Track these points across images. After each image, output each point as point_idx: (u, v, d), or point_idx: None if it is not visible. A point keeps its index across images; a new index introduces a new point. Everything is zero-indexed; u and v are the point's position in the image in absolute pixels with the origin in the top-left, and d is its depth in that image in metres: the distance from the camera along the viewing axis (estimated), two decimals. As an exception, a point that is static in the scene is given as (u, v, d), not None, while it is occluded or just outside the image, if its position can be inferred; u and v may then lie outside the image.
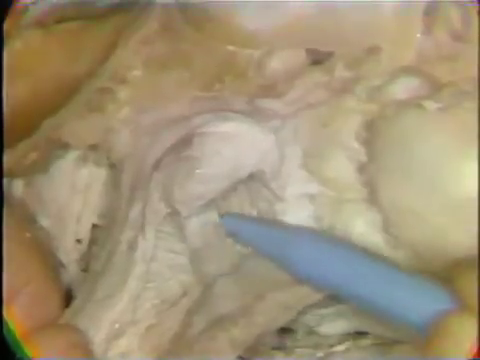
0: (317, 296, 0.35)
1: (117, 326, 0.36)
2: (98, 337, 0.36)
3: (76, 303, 0.36)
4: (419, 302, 0.31)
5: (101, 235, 0.38)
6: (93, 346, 0.35)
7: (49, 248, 0.38)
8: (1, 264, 0.34)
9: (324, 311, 0.37)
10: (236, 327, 0.35)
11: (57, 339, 0.35)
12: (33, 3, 0.37)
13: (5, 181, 0.38)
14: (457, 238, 0.33)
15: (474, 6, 0.34)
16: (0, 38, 0.35)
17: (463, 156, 0.34)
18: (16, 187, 0.39)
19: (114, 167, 0.37)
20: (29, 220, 0.38)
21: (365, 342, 0.38)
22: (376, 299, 0.32)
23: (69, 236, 0.39)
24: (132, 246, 0.36)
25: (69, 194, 0.38)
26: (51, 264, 0.37)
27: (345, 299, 0.34)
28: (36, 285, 0.35)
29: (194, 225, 0.37)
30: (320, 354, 0.38)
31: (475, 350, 0.29)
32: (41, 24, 0.38)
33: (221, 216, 0.36)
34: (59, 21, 0.38)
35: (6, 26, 0.37)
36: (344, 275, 0.33)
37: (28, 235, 0.37)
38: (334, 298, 0.36)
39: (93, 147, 0.37)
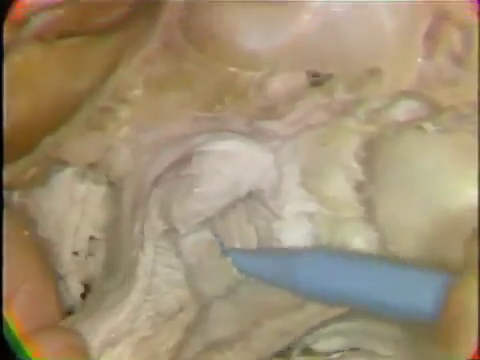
0: (313, 322, 0.36)
1: (113, 335, 0.36)
2: (93, 343, 0.36)
3: (78, 315, 0.37)
4: (431, 292, 0.32)
5: (102, 249, 0.39)
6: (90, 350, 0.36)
7: (47, 249, 0.39)
8: (1, 264, 0.34)
9: (321, 330, 0.37)
10: (232, 351, 0.36)
11: (54, 340, 0.35)
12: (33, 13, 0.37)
13: (4, 192, 0.38)
14: (456, 255, 0.33)
15: (474, 6, 0.34)
16: (0, 38, 0.35)
17: (461, 176, 0.34)
18: (15, 197, 0.39)
19: (113, 185, 0.37)
20: (25, 220, 0.39)
21: (359, 354, 0.38)
22: (389, 299, 0.33)
23: (66, 248, 0.39)
24: (134, 262, 0.36)
25: (67, 206, 0.39)
26: (48, 263, 0.37)
27: (356, 306, 0.35)
28: (34, 283, 0.36)
29: (189, 242, 0.37)
30: None
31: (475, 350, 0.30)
32: (41, 38, 0.38)
33: (227, 253, 0.37)
34: (60, 36, 0.38)
35: (7, 38, 0.37)
36: (350, 284, 0.33)
37: (26, 233, 0.37)
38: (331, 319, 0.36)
39: (92, 165, 0.37)
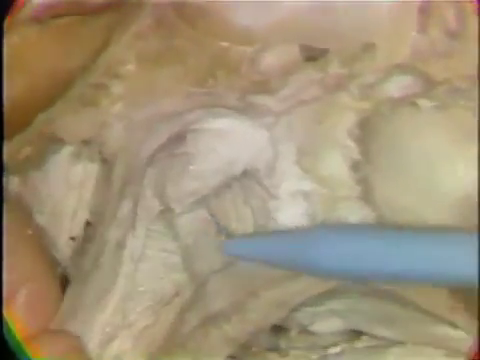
0: (310, 292, 0.35)
1: (108, 330, 0.36)
2: (92, 343, 0.36)
3: (66, 306, 0.36)
4: (464, 253, 0.32)
5: (91, 233, 0.38)
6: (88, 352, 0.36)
7: (46, 245, 0.38)
8: (1, 264, 0.34)
9: (316, 309, 0.37)
10: (229, 324, 0.35)
11: (56, 342, 0.35)
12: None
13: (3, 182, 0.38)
14: None
15: (474, 6, 0.34)
16: (0, 38, 0.36)
17: (458, 154, 0.34)
18: (12, 184, 0.39)
19: (106, 162, 0.37)
20: (26, 217, 0.38)
21: (360, 344, 0.38)
22: (419, 267, 0.32)
23: (64, 233, 0.39)
24: (120, 244, 0.36)
25: (64, 190, 0.38)
26: (50, 261, 0.37)
27: (383, 281, 0.34)
28: (37, 281, 0.36)
29: (185, 222, 0.37)
30: (314, 356, 0.38)
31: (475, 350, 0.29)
32: (38, 20, 0.38)
33: (223, 244, 0.36)
34: (54, 16, 0.38)
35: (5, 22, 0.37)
36: (377, 256, 0.33)
37: (30, 232, 0.37)
38: (326, 296, 0.36)
39: (86, 142, 0.37)
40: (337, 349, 0.38)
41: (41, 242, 0.38)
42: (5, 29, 0.38)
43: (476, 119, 0.34)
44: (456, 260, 0.32)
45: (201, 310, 0.36)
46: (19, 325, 0.35)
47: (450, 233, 0.32)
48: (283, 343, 0.38)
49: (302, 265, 0.34)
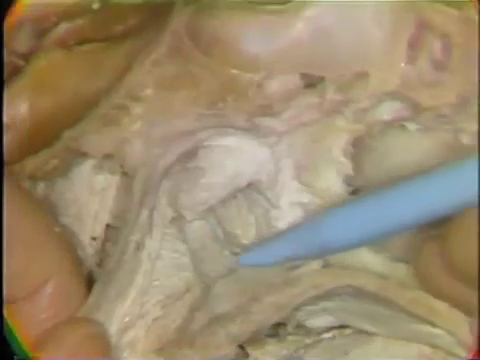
0: (307, 295, 0.34)
1: (127, 319, 0.35)
2: (111, 330, 0.34)
3: (91, 300, 0.35)
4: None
5: (114, 235, 0.37)
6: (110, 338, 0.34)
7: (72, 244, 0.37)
8: (1, 264, 0.32)
9: (311, 308, 0.35)
10: (233, 324, 0.34)
11: (76, 330, 0.34)
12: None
13: (29, 183, 0.37)
14: None
15: (474, 6, 0.33)
16: (0, 38, 0.34)
17: None
18: (39, 189, 0.38)
19: (126, 175, 0.36)
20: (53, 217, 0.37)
21: (348, 331, 0.37)
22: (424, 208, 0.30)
23: (86, 234, 0.37)
24: (139, 246, 0.35)
25: (87, 196, 0.37)
26: (76, 258, 0.36)
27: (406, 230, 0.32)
28: (63, 275, 0.34)
29: (195, 228, 0.36)
30: (309, 341, 0.36)
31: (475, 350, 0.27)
32: (63, 45, 0.37)
33: (238, 260, 0.35)
34: (80, 42, 0.37)
35: (34, 45, 0.36)
36: (384, 212, 0.31)
37: (58, 229, 0.35)
38: (320, 297, 0.34)
39: (108, 156, 0.36)
40: (329, 334, 0.37)
41: (67, 240, 0.36)
42: (34, 52, 0.37)
43: (457, 141, 0.33)
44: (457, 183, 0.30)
45: (209, 311, 0.35)
46: (45, 318, 0.33)
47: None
48: (281, 332, 0.37)
49: (318, 248, 0.33)
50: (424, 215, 0.30)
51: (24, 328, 0.33)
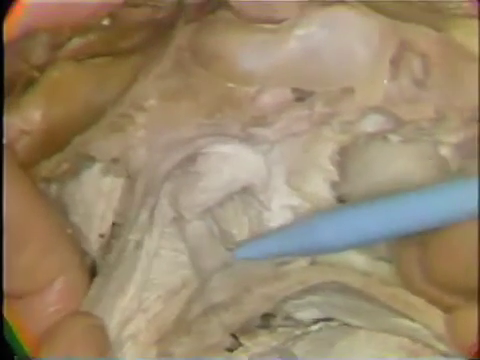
0: (294, 289, 0.34)
1: (127, 313, 0.35)
2: (112, 323, 0.34)
3: (92, 292, 0.35)
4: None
5: (118, 233, 0.37)
6: (108, 330, 0.34)
7: (79, 241, 0.37)
8: (1, 264, 0.32)
9: (298, 302, 0.35)
10: (227, 313, 0.34)
11: (77, 322, 0.34)
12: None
13: (43, 185, 0.37)
14: None
15: (474, 6, 0.33)
16: (0, 38, 0.33)
17: (421, 177, 0.32)
18: (52, 190, 0.38)
19: (130, 177, 0.36)
20: (63, 217, 0.37)
21: (334, 324, 0.36)
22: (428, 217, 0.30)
23: (94, 231, 0.37)
24: (139, 245, 0.35)
25: (95, 197, 0.37)
26: (82, 255, 0.36)
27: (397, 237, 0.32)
28: (72, 272, 0.34)
29: (193, 228, 0.35)
30: (298, 332, 0.36)
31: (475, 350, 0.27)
32: (76, 58, 0.37)
33: (233, 251, 0.35)
34: (90, 56, 0.37)
35: (48, 58, 0.36)
36: (376, 221, 0.31)
37: (70, 231, 0.36)
38: (306, 291, 0.35)
39: (114, 160, 0.36)
40: (316, 327, 0.36)
41: (76, 239, 0.36)
42: (48, 64, 0.36)
43: (436, 152, 0.33)
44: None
45: (204, 301, 0.35)
46: (52, 314, 0.33)
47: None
48: (272, 324, 0.37)
49: (310, 247, 0.33)
50: (414, 227, 0.31)
51: (32, 321, 0.33)
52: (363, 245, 0.33)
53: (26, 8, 0.34)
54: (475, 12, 0.33)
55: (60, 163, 0.36)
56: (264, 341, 0.36)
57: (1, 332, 0.31)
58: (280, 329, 0.36)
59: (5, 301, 0.32)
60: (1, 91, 0.34)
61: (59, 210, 0.37)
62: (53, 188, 0.38)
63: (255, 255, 0.34)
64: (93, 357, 0.33)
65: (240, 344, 0.36)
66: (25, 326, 0.33)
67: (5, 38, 0.34)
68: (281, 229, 0.34)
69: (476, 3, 0.33)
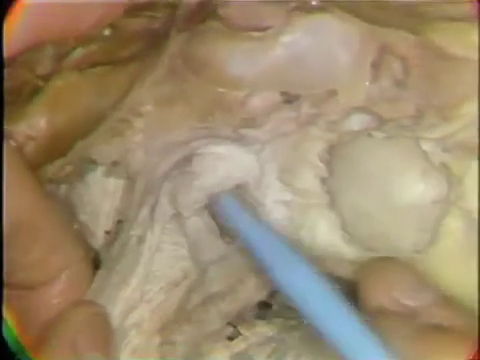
0: None
1: (130, 303, 0.34)
2: (115, 312, 0.34)
3: (95, 284, 0.35)
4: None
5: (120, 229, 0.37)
6: (111, 319, 0.34)
7: (86, 237, 0.37)
8: (1, 262, 0.32)
9: None
10: (224, 302, 0.35)
11: (82, 310, 0.33)
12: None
13: (51, 187, 0.37)
14: (399, 234, 0.32)
15: (474, 6, 0.32)
16: (0, 38, 0.33)
17: (403, 171, 0.32)
18: (62, 191, 0.38)
19: (130, 178, 0.36)
20: (71, 215, 0.37)
21: None
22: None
23: (100, 228, 0.37)
24: (140, 240, 0.35)
25: (101, 197, 0.37)
26: (87, 249, 0.36)
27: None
28: (77, 265, 0.34)
29: (192, 223, 0.35)
30: (293, 322, 0.36)
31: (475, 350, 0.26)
32: (78, 68, 0.36)
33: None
34: (91, 66, 0.36)
35: (53, 68, 0.36)
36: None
37: (76, 227, 0.36)
38: None
39: (115, 163, 0.36)
40: None
41: (82, 234, 0.36)
42: (52, 74, 0.36)
43: (417, 147, 0.32)
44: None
45: (203, 291, 0.35)
46: (57, 306, 0.33)
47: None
48: (268, 314, 0.37)
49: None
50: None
51: (40, 310, 0.33)
52: None
53: (31, 17, 0.34)
54: (475, 12, 0.32)
55: (63, 166, 0.36)
56: (261, 331, 0.36)
57: (1, 332, 0.30)
58: (276, 319, 0.36)
59: (5, 301, 0.32)
60: (1, 91, 0.34)
61: (68, 210, 0.37)
62: (62, 189, 0.38)
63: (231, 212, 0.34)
64: (96, 340, 0.33)
65: (239, 333, 0.36)
66: (33, 314, 0.33)
67: (5, 38, 0.33)
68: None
69: (476, 3, 0.32)
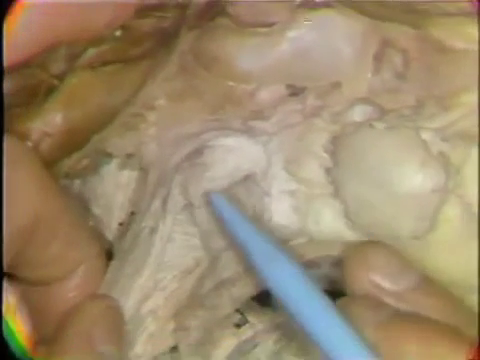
0: None
1: (145, 291, 0.35)
2: (130, 300, 0.35)
3: (108, 276, 0.36)
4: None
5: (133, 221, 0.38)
6: (124, 309, 0.35)
7: (100, 230, 0.38)
8: (1, 264, 0.31)
9: None
10: (235, 287, 0.35)
11: (97, 304, 0.34)
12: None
13: (66, 181, 0.38)
14: (399, 222, 0.33)
15: (473, 5, 0.33)
16: (0, 38, 0.33)
17: (404, 160, 0.33)
18: (75, 185, 0.39)
19: (143, 170, 0.37)
20: (86, 209, 0.38)
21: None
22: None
23: (114, 220, 0.38)
24: (153, 231, 0.36)
25: (114, 190, 0.38)
26: (102, 244, 0.36)
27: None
28: (93, 260, 0.35)
29: (203, 213, 0.36)
30: None
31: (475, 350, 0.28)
32: (91, 66, 0.37)
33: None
34: (104, 64, 0.37)
35: (67, 66, 0.37)
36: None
37: (91, 223, 0.37)
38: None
39: (129, 156, 0.37)
40: None
41: (96, 230, 0.37)
42: (67, 72, 0.37)
43: (418, 136, 0.33)
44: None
45: (215, 277, 0.36)
46: (72, 301, 0.33)
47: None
48: (275, 302, 0.37)
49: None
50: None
51: (57, 303, 0.34)
52: None
53: (44, 19, 0.34)
54: (475, 12, 0.33)
55: (80, 160, 0.37)
56: (268, 318, 0.37)
57: (1, 332, 0.29)
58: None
59: (5, 300, 0.32)
60: (1, 91, 0.34)
61: (82, 205, 0.38)
62: (76, 184, 0.39)
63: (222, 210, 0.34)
64: (110, 333, 0.33)
65: (247, 321, 0.37)
66: (50, 308, 0.34)
67: (5, 38, 0.33)
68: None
69: (476, 3, 0.33)
